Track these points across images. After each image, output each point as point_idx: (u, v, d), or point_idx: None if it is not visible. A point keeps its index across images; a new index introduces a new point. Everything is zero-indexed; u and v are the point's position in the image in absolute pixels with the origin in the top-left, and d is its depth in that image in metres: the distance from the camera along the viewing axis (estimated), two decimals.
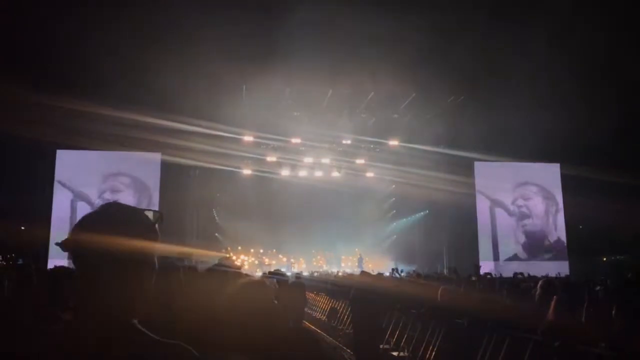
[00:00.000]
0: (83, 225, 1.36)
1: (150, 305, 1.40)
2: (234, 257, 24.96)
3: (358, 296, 8.47)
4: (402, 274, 18.67)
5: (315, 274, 22.60)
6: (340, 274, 21.63)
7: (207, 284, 3.00)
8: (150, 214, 1.45)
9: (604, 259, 26.82)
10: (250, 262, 27.11)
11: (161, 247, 1.42)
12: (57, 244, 1.34)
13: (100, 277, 1.32)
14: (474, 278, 12.15)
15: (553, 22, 17.74)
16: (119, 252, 1.31)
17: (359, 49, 19.86)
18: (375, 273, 14.65)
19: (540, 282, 7.04)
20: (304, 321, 10.56)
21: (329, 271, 25.57)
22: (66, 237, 1.35)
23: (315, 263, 28.76)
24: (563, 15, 17.58)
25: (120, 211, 1.41)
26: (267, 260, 27.42)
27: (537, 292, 6.93)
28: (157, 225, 1.44)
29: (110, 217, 1.38)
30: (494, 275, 14.05)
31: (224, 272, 3.12)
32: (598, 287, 6.32)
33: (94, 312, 1.31)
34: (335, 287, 14.06)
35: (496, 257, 24.57)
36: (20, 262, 12.65)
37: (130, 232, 1.35)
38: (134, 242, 1.33)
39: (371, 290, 8.37)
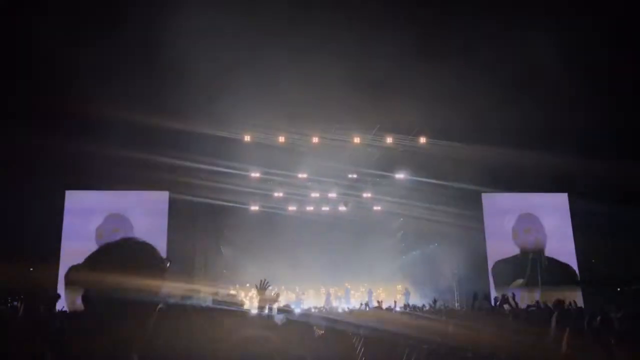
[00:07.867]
0: (94, 260, 1.38)
1: (152, 344, 1.40)
2: (241, 294, 24.70)
3: (373, 335, 8.28)
4: (407, 309, 18.37)
5: (324, 310, 22.28)
6: (348, 309, 21.33)
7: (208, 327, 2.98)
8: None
9: (618, 289, 26.30)
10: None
11: (168, 285, 1.43)
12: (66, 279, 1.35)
13: (106, 315, 1.33)
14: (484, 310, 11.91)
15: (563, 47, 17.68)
16: (125, 291, 1.32)
17: (364, 82, 20.09)
18: (384, 307, 14.44)
19: (554, 315, 6.92)
20: None
21: (340, 308, 25.25)
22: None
23: (323, 297, 28.41)
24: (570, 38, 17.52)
25: (132, 245, 1.43)
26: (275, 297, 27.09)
27: (552, 325, 6.81)
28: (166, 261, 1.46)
29: (121, 251, 1.40)
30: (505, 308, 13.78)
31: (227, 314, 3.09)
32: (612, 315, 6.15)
33: (96, 349, 1.31)
34: (345, 325, 13.79)
35: (508, 288, 24.19)
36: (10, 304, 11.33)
37: (140, 267, 1.37)
38: (140, 281, 1.35)
39: (385, 329, 8.20)
